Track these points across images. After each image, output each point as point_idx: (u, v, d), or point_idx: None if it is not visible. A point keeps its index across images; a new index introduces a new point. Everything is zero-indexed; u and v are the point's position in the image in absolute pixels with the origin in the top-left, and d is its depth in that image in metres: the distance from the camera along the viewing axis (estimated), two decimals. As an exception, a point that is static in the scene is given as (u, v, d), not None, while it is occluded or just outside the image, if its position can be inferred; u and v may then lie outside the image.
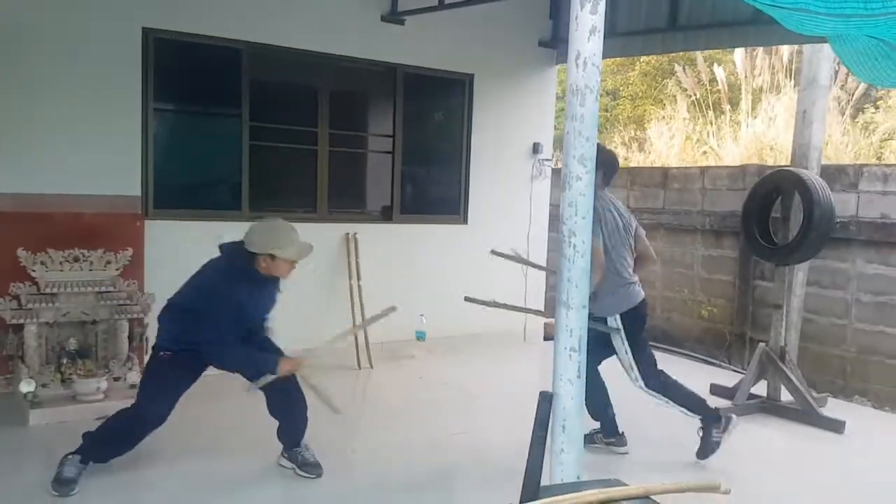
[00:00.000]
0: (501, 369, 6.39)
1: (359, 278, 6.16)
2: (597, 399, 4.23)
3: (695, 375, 6.34)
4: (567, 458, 2.20)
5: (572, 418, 2.20)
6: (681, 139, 12.74)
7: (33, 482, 3.53)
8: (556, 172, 8.32)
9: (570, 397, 2.20)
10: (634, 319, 4.19)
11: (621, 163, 12.36)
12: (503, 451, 4.29)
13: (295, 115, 6.11)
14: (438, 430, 4.66)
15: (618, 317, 4.13)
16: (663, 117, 14.04)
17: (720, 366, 6.85)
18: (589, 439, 4.21)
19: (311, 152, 6.07)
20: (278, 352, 3.85)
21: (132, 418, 3.54)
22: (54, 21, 4.86)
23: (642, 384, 4.17)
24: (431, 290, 6.47)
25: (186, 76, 5.62)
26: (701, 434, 4.24)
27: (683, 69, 13.92)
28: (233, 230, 5.66)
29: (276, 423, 3.88)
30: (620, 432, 4.37)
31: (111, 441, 3.56)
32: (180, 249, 5.40)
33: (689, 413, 4.22)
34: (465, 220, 6.81)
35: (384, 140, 6.51)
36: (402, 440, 4.48)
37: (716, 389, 5.67)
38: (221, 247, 3.74)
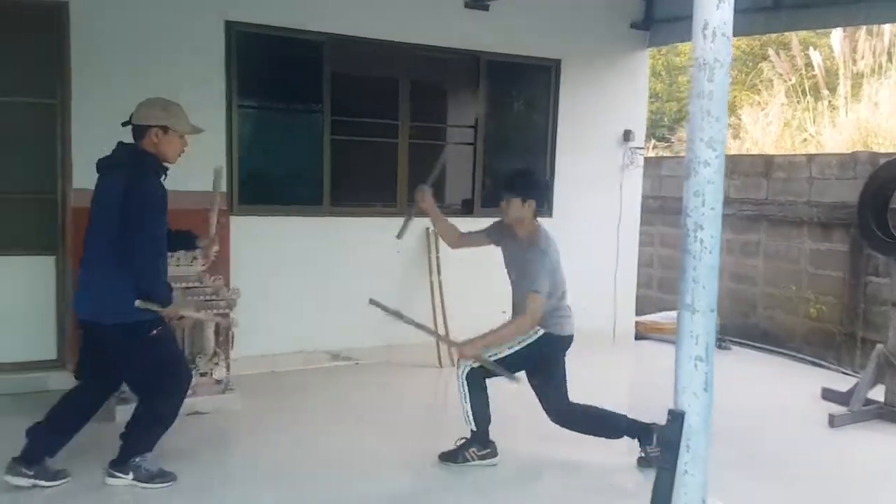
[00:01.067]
0: (591, 371, 6.05)
1: (439, 274, 6.01)
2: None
3: (802, 378, 5.93)
4: (692, 480, 1.95)
5: (698, 436, 1.94)
6: (778, 126, 12.09)
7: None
8: (648, 161, 7.96)
9: (696, 413, 1.95)
10: (551, 347, 3.83)
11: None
12: (603, 462, 4.07)
13: (375, 107, 5.98)
14: (533, 434, 4.43)
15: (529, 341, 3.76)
16: (757, 103, 13.34)
17: (829, 368, 6.35)
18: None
19: (391, 145, 5.93)
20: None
21: (172, 398, 3.44)
22: (140, 17, 4.86)
23: (464, 376, 3.79)
24: (515, 286, 6.25)
25: (269, 71, 5.57)
26: (459, 443, 3.91)
27: (777, 53, 13.20)
28: (314, 225, 5.67)
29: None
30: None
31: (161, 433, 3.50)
32: (264, 244, 5.39)
33: (472, 422, 3.83)
34: (549, 213, 6.52)
35: (465, 131, 6.30)
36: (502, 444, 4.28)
37: (828, 394, 5.25)
38: (121, 148, 3.43)
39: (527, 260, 3.73)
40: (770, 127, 12.09)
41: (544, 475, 3.95)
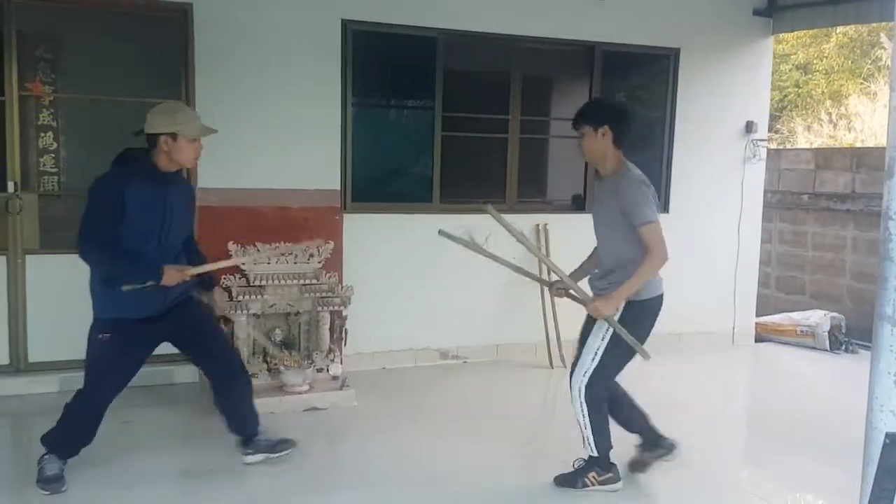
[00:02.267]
0: (709, 375, 5.81)
1: (549, 272, 5.84)
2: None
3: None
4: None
5: (897, 460, 1.75)
6: (896, 115, 11.28)
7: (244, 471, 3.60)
8: (771, 154, 7.55)
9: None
10: (646, 312, 3.31)
11: (831, 143, 11.25)
12: (734, 471, 3.85)
13: (486, 103, 5.89)
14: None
15: (635, 307, 3.27)
16: (868, 92, 12.55)
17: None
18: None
19: (501, 140, 5.83)
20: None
21: (82, 398, 3.31)
22: (260, 17, 4.94)
23: (583, 390, 3.31)
24: (628, 286, 6.04)
25: (382, 69, 5.57)
26: (577, 465, 3.50)
27: (892, 40, 12.36)
28: (424, 222, 5.64)
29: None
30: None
31: (69, 428, 3.35)
32: (375, 242, 5.41)
33: (591, 447, 3.40)
34: (665, 209, 6.27)
35: (577, 125, 6.12)
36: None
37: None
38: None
39: (619, 196, 3.21)
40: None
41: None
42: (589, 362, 3.31)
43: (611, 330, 3.24)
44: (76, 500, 3.25)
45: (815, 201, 7.48)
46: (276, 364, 4.67)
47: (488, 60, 5.94)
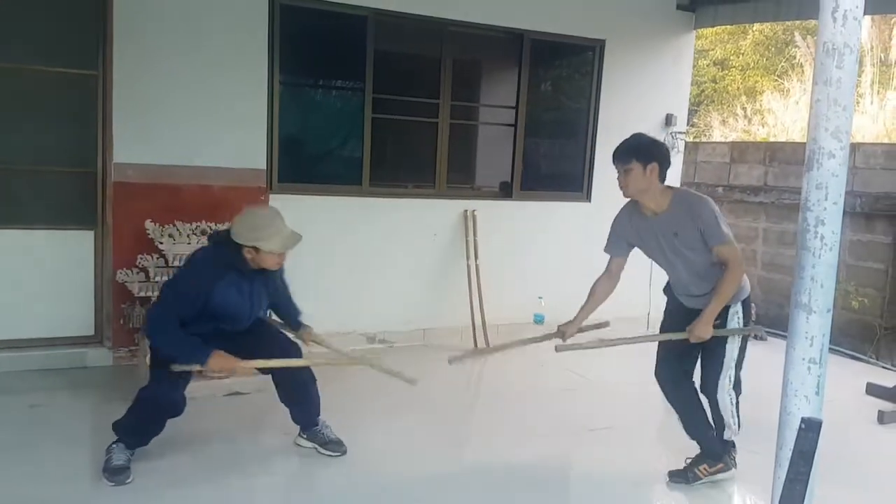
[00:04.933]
0: (626, 359, 5.99)
1: (476, 258, 5.90)
2: (698, 417, 3.56)
3: (843, 372, 5.82)
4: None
5: (808, 443, 1.84)
6: (807, 112, 11.88)
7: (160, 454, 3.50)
8: (689, 146, 7.80)
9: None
10: (748, 310, 3.44)
11: (746, 137, 11.72)
12: (652, 450, 3.99)
13: (417, 86, 5.86)
14: (573, 421, 4.37)
15: (740, 305, 3.37)
16: (781, 89, 13.14)
17: (869, 362, 6.25)
18: (689, 475, 3.55)
19: (431, 125, 5.81)
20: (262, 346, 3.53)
21: (151, 402, 3.37)
22: (183, -12, 4.74)
23: (731, 390, 3.41)
24: (551, 272, 6.16)
25: (311, 47, 5.44)
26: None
27: (804, 38, 12.97)
28: (352, 205, 5.58)
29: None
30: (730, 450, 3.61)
31: (140, 426, 3.42)
32: (302, 224, 5.25)
33: (734, 431, 3.52)
34: (588, 198, 6.42)
35: (506, 112, 6.17)
36: (533, 429, 4.21)
37: (873, 389, 5.14)
38: (210, 236, 3.57)
39: (688, 222, 3.21)
40: (801, 113, 11.89)
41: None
42: (731, 365, 3.38)
43: (737, 340, 3.35)
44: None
45: (730, 193, 7.79)
46: (196, 348, 4.53)
47: (419, 43, 5.89)
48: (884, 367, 6.08)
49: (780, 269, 7.28)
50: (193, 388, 4.21)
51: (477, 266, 5.88)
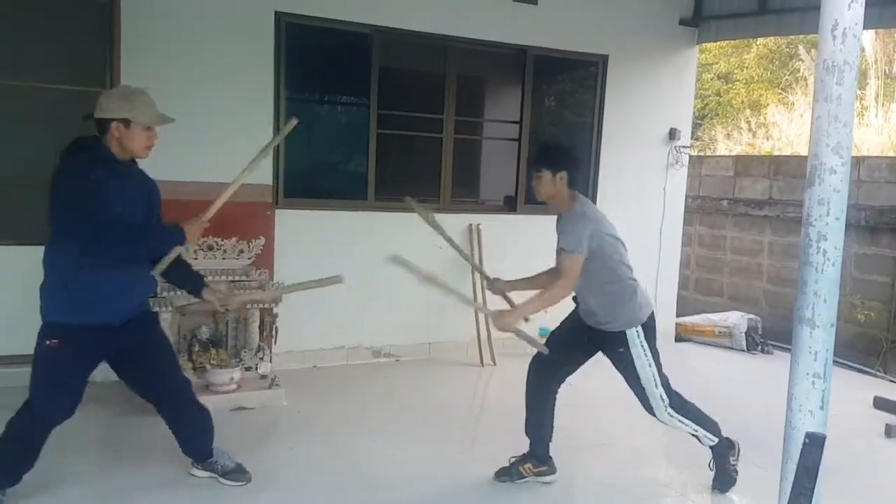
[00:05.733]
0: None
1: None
2: (538, 419, 3.66)
3: (850, 385, 5.80)
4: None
5: (813, 457, 1.85)
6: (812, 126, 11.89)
7: (167, 473, 3.48)
8: (693, 160, 7.82)
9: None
10: (653, 328, 3.46)
11: (750, 150, 11.73)
12: (655, 464, 3.97)
13: (421, 102, 5.89)
14: (575, 437, 4.36)
15: (640, 328, 3.38)
16: (786, 102, 13.17)
17: (876, 375, 6.23)
18: (514, 472, 3.65)
19: (435, 140, 5.85)
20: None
21: (29, 422, 2.98)
22: (191, 4, 4.80)
23: (669, 409, 3.42)
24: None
25: (317, 63, 5.49)
26: (714, 465, 3.63)
27: (808, 52, 13.00)
28: (358, 219, 5.61)
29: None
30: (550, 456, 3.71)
31: (12, 455, 3.02)
32: (307, 238, 5.33)
33: (710, 438, 3.54)
34: (593, 212, 6.43)
35: (510, 127, 6.20)
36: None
37: (880, 403, 5.13)
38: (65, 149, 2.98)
39: (561, 229, 3.34)
40: (805, 127, 11.91)
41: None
42: (654, 388, 3.39)
43: (648, 354, 3.37)
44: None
45: (734, 207, 7.80)
46: (202, 363, 4.55)
47: (424, 60, 5.95)
48: (891, 381, 6.06)
49: (786, 283, 7.27)
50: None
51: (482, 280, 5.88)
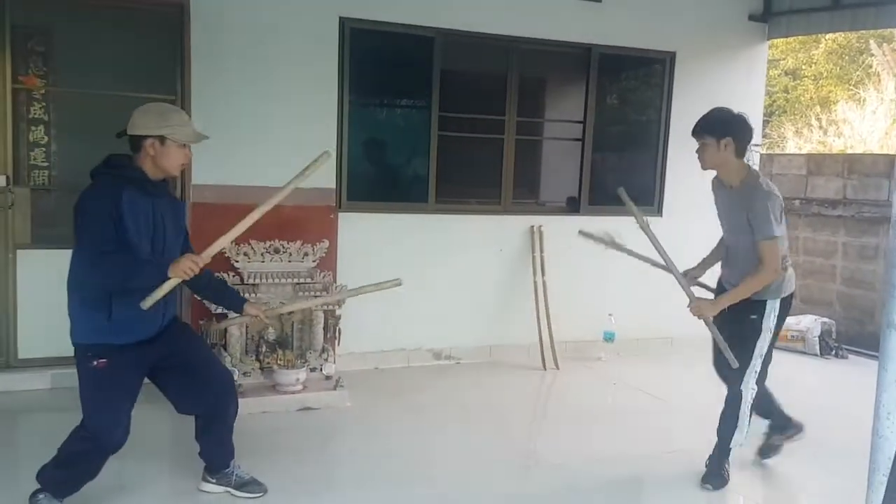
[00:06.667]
0: (701, 379, 5.81)
1: (543, 274, 5.85)
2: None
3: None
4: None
5: (903, 468, 1.75)
6: (886, 122, 11.42)
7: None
8: (763, 159, 7.58)
9: (902, 442, 1.76)
10: (788, 308, 3.51)
11: (821, 148, 11.32)
12: (731, 475, 3.85)
13: (483, 103, 5.88)
14: (648, 443, 4.26)
15: (779, 303, 3.43)
16: (857, 98, 12.66)
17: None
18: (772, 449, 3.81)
19: (497, 141, 5.82)
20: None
21: (85, 441, 2.94)
22: (257, 14, 4.91)
23: (753, 388, 3.47)
24: (621, 288, 6.04)
25: (379, 68, 5.53)
26: (712, 462, 3.66)
27: (880, 46, 12.47)
28: (419, 222, 5.62)
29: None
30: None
31: (71, 471, 3.00)
32: (369, 241, 5.37)
33: (741, 437, 3.59)
34: (659, 212, 6.30)
35: (573, 127, 6.13)
36: (602, 451, 4.13)
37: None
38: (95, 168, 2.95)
39: (744, 206, 3.31)
40: (878, 123, 11.43)
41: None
42: (757, 361, 3.45)
43: (772, 330, 3.42)
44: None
45: (807, 207, 7.52)
46: (269, 363, 4.64)
47: (485, 61, 5.93)
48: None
49: (861, 285, 6.97)
50: (265, 403, 4.35)
51: (544, 282, 5.83)
